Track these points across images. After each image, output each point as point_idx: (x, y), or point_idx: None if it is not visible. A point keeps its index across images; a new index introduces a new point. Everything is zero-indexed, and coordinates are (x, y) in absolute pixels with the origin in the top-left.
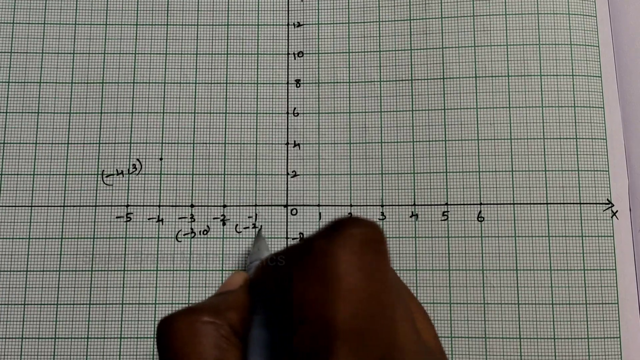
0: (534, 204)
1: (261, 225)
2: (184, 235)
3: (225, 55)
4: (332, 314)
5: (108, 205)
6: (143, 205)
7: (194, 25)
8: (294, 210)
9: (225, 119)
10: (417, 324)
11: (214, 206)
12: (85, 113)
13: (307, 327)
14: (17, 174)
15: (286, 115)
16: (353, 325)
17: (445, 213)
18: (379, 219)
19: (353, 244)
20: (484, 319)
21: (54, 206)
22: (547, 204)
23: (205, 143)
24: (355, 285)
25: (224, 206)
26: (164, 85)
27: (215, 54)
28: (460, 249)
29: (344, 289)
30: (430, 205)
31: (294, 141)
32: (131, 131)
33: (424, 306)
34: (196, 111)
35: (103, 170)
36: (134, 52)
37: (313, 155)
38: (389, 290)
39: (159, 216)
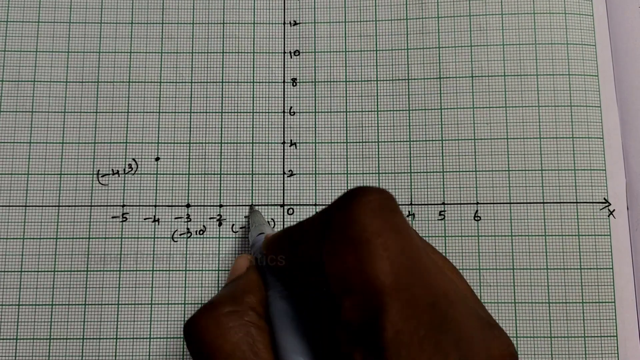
0: (530, 203)
1: (251, 203)
2: (180, 235)
3: (221, 54)
4: (375, 274)
5: (104, 205)
6: (139, 205)
7: (190, 23)
8: (291, 210)
9: (222, 118)
10: (448, 274)
11: (210, 206)
12: (80, 112)
13: (354, 297)
14: (12, 174)
15: (282, 114)
16: (397, 281)
17: (442, 212)
18: None
19: (372, 207)
20: None
21: (49, 206)
22: (543, 203)
23: (201, 143)
24: (387, 244)
25: (220, 206)
26: (160, 84)
27: (211, 52)
28: (457, 248)
29: (378, 249)
30: (427, 204)
31: (291, 140)
32: (127, 131)
33: None
34: (192, 110)
35: (98, 170)
36: (129, 50)
37: (309, 154)
38: (416, 245)
39: (154, 216)
